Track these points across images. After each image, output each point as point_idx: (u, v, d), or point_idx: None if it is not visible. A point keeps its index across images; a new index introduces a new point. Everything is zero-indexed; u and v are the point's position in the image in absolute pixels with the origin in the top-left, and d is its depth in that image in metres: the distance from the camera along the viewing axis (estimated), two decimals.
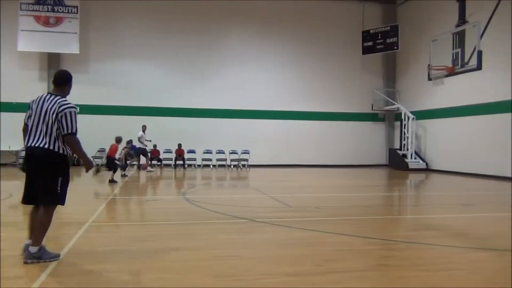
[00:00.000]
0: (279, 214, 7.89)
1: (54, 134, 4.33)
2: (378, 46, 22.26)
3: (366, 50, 22.65)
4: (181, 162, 19.48)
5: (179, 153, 19.62)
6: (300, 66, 22.58)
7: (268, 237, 5.94)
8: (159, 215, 7.86)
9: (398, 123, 22.69)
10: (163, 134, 19.80)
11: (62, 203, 4.45)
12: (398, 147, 22.11)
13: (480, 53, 10.96)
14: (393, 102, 22.79)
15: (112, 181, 12.48)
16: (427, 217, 8.32)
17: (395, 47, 21.83)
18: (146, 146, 17.52)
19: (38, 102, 4.43)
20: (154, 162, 18.79)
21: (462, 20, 12.12)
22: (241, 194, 11.93)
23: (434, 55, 12.65)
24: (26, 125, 4.52)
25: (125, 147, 14.91)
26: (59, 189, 4.35)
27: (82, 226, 6.12)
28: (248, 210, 8.54)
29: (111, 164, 12.95)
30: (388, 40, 21.87)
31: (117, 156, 13.57)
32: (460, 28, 11.89)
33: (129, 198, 10.38)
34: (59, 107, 4.33)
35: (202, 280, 3.98)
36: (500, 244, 5.67)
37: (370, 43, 22.43)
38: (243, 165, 20.25)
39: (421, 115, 21.14)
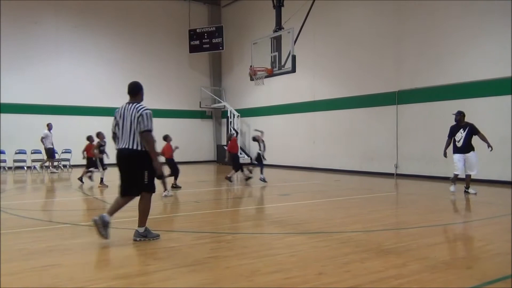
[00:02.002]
0: None
1: (137, 136, 5.23)
2: (204, 46, 22.87)
3: (192, 49, 23.05)
4: None
5: None
6: (128, 62, 21.75)
7: (93, 241, 5.55)
8: None
9: (224, 120, 23.71)
10: None
11: (153, 191, 5.44)
12: (225, 143, 23.08)
13: (294, 58, 12.09)
14: (220, 100, 23.72)
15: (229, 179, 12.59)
16: (251, 208, 8.88)
17: (220, 47, 22.72)
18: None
19: (121, 112, 5.37)
20: None
21: (279, 26, 13.19)
22: (62, 197, 10.95)
23: (255, 57, 13.50)
24: (114, 133, 5.46)
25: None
26: (146, 180, 5.28)
27: None
28: (70, 214, 7.89)
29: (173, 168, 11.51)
30: (213, 40, 22.64)
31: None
32: (277, 34, 12.95)
33: None
34: (137, 111, 5.25)
35: None
36: (310, 228, 6.40)
37: (196, 42, 22.90)
38: (64, 166, 18.63)
39: (245, 112, 22.48)
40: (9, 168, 17.83)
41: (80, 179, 12.53)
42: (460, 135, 9.83)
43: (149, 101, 22.32)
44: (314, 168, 17.90)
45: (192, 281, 3.92)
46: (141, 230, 5.40)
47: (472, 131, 9.78)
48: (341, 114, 17.36)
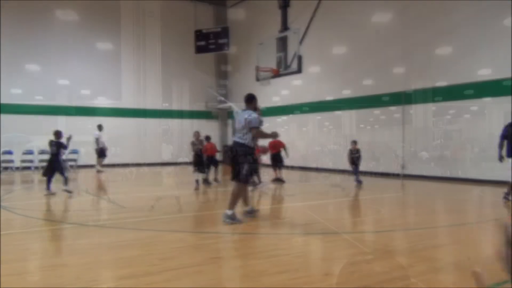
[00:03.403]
0: (112, 216, 7.50)
1: (246, 133, 6.57)
2: (210, 46, 22.84)
3: (198, 49, 23.05)
4: None
5: None
6: (134, 63, 21.83)
7: (98, 241, 5.58)
8: None
9: (230, 121, 23.69)
10: None
11: (245, 182, 6.72)
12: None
13: (299, 58, 12.10)
14: (225, 100, 23.73)
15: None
16: (256, 208, 8.85)
17: (226, 48, 22.70)
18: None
19: (239, 114, 6.78)
20: None
21: (285, 26, 13.19)
22: (68, 197, 10.97)
23: (261, 57, 13.51)
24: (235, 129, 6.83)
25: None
26: (244, 172, 6.48)
27: None
28: (77, 214, 7.93)
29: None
30: (219, 41, 22.61)
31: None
32: (282, 34, 12.95)
33: None
34: (249, 115, 6.62)
35: None
36: (316, 228, 6.37)
37: (202, 43, 22.88)
38: (71, 166, 18.71)
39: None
40: (17, 168, 17.94)
41: (215, 180, 12.48)
42: None
43: (153, 102, 22.36)
44: (320, 169, 17.85)
45: (198, 282, 3.92)
46: (229, 212, 6.41)
47: None
48: (347, 114, 17.30)
